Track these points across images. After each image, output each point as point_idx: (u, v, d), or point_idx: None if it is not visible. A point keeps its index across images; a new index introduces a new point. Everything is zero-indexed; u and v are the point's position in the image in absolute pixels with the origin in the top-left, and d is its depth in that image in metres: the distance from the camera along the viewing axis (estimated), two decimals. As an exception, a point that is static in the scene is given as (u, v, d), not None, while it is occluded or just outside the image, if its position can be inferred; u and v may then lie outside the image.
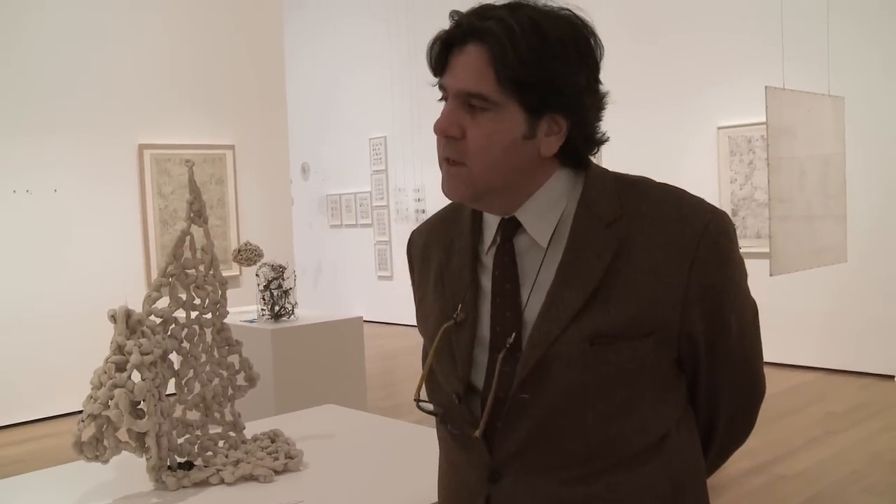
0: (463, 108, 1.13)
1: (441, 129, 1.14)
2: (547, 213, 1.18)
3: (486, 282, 1.21)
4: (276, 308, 5.04)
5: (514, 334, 1.15)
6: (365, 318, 5.84)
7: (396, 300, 10.58)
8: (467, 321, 1.20)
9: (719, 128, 7.26)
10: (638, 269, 1.11)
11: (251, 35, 7.89)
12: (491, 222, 1.23)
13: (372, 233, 11.08)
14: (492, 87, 1.10)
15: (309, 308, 5.65)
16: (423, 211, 9.80)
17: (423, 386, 1.26)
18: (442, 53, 1.15)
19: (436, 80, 1.19)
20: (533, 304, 1.15)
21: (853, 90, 6.00)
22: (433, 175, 9.94)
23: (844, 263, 5.51)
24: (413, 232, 1.42)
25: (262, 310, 5.08)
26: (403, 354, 8.79)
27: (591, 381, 1.11)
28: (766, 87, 4.81)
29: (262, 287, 5.06)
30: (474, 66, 1.11)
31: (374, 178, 10.94)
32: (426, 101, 10.40)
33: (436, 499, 1.71)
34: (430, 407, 1.25)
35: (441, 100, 1.17)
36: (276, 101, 8.09)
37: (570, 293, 1.12)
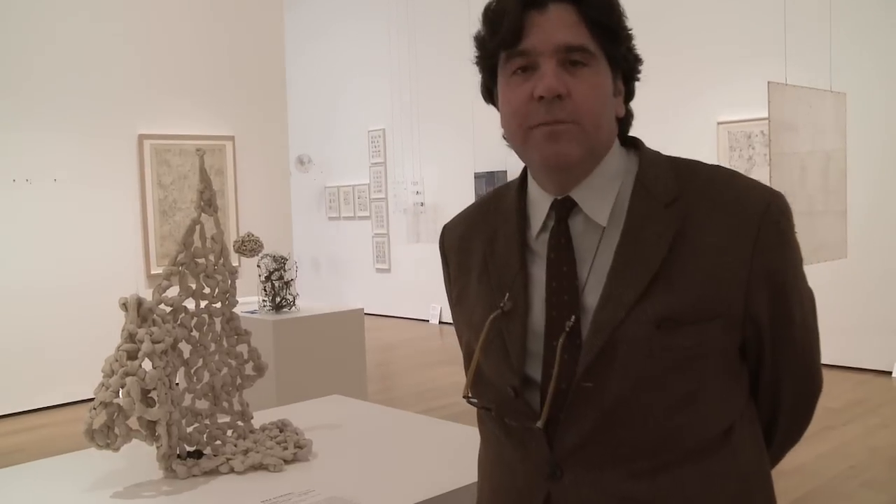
0: (561, 65, 1.09)
1: (551, 88, 1.07)
2: (604, 191, 1.15)
3: (537, 270, 1.17)
4: (277, 299, 5.04)
5: (573, 318, 1.10)
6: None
7: (394, 293, 10.59)
8: (516, 310, 1.15)
9: (719, 123, 7.27)
10: (700, 250, 1.08)
11: (251, 26, 7.87)
12: (538, 206, 1.19)
13: (370, 225, 11.08)
14: (588, 39, 1.10)
15: (308, 300, 5.65)
16: (422, 203, 9.79)
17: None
18: (519, 18, 1.10)
19: (491, 50, 1.15)
20: (592, 287, 1.11)
21: (855, 86, 6.01)
22: (432, 167, 9.87)
23: (844, 259, 5.53)
24: (445, 226, 1.36)
25: (263, 301, 5.08)
26: (401, 347, 8.81)
27: (658, 367, 1.06)
28: (768, 82, 4.81)
29: (263, 278, 5.06)
30: (569, 21, 1.09)
31: (373, 170, 10.94)
32: (425, 93, 10.31)
33: (444, 490, 1.73)
34: (481, 403, 1.19)
35: (517, 70, 1.12)
36: (276, 92, 8.08)
37: (633, 274, 1.07)
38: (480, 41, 1.17)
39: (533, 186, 1.21)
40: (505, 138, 1.21)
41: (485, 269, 1.22)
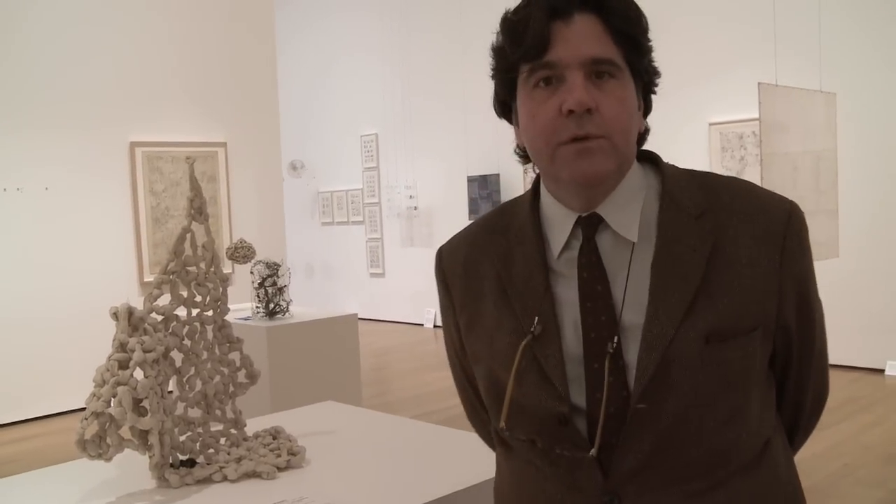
0: (587, 78, 1.05)
1: (582, 102, 1.03)
2: (629, 206, 1.12)
3: (563, 290, 1.12)
4: (271, 305, 5.03)
5: (616, 338, 1.06)
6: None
7: (388, 297, 10.58)
8: (548, 334, 1.10)
9: (711, 124, 7.29)
10: (735, 261, 1.07)
11: (243, 32, 7.87)
12: (558, 224, 1.15)
13: (364, 230, 11.07)
14: (614, 51, 1.06)
15: (302, 306, 5.64)
16: (416, 207, 9.80)
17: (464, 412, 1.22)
18: (545, 28, 1.05)
19: (511, 62, 1.10)
20: (629, 305, 1.08)
21: (845, 86, 6.04)
22: (425, 171, 9.86)
23: (836, 259, 5.55)
24: (442, 249, 1.29)
25: (257, 307, 5.07)
26: (395, 352, 8.80)
27: (710, 382, 1.04)
28: (759, 83, 4.83)
29: (256, 285, 5.06)
30: (595, 33, 1.06)
31: (366, 174, 10.93)
32: (417, 97, 10.32)
33: (439, 495, 1.73)
34: (520, 434, 1.14)
35: (539, 82, 1.08)
36: (268, 98, 8.08)
37: (675, 289, 1.06)
38: (499, 52, 1.12)
39: (549, 203, 1.16)
40: (518, 153, 1.18)
41: (503, 294, 1.16)
